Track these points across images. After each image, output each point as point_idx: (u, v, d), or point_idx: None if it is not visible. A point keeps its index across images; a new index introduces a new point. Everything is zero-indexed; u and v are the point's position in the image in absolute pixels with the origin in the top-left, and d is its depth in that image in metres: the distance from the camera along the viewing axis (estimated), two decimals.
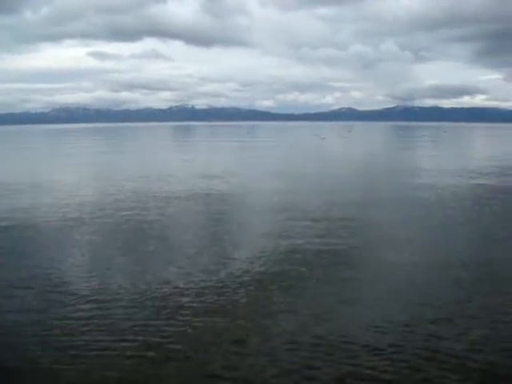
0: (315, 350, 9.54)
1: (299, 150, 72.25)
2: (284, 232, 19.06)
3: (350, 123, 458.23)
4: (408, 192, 30.08)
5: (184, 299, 12.22)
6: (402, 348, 9.51)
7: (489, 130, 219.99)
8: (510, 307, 11.57)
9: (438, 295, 12.31)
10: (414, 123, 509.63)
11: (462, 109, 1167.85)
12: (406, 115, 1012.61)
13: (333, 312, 11.43)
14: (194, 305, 11.86)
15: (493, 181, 36.27)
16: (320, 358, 9.21)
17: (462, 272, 14.21)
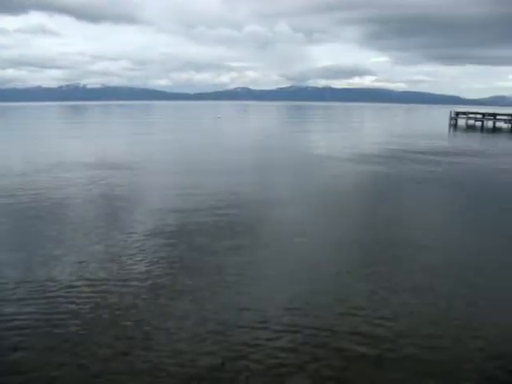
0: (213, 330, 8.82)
1: (192, 130, 68.32)
2: (181, 209, 18.08)
3: (245, 102, 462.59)
4: (299, 168, 29.57)
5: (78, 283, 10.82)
6: (312, 327, 8.89)
7: (378, 110, 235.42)
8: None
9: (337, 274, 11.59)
10: (307, 103, 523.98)
11: (353, 89, 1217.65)
12: (300, 95, 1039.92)
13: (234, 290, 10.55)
14: (87, 288, 10.55)
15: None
16: (220, 337, 8.57)
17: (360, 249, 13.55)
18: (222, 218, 16.41)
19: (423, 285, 10.83)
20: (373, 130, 74.63)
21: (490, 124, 76.97)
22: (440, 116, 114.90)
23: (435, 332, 8.71)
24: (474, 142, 52.32)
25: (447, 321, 9.15)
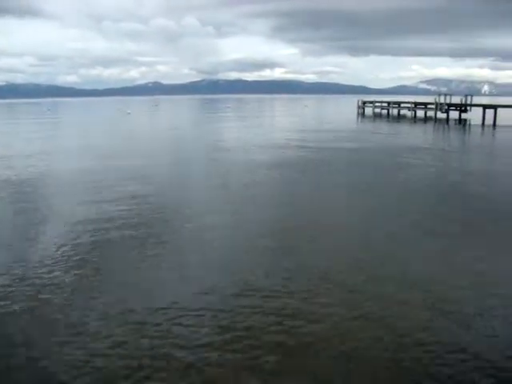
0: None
1: (101, 126, 67.02)
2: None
3: (156, 97, 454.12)
4: (213, 161, 29.27)
5: None
6: (228, 312, 9.14)
7: (289, 101, 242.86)
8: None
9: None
10: (219, 96, 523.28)
11: (264, 81, 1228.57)
12: (212, 88, 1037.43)
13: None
14: None
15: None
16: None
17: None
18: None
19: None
20: (285, 121, 75.58)
21: (395, 112, 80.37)
22: (349, 105, 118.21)
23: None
24: (380, 127, 54.63)
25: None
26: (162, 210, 16.65)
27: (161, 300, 9.62)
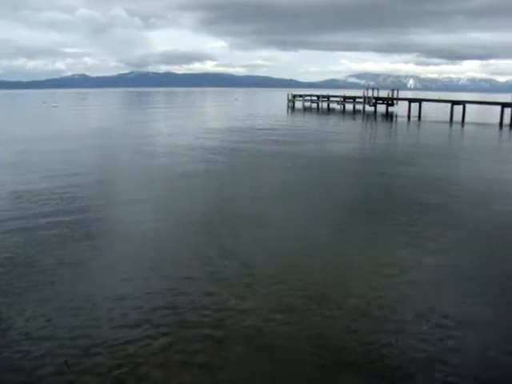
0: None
1: (24, 120, 62.32)
2: None
3: (84, 90, 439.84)
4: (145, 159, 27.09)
5: None
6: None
7: (220, 94, 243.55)
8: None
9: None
10: (148, 89, 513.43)
11: (195, 74, 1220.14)
12: (141, 81, 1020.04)
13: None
14: None
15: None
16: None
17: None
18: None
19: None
20: (216, 113, 75.13)
21: (324, 105, 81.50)
22: (279, 99, 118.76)
23: None
24: (309, 120, 54.82)
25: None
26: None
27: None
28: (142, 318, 8.49)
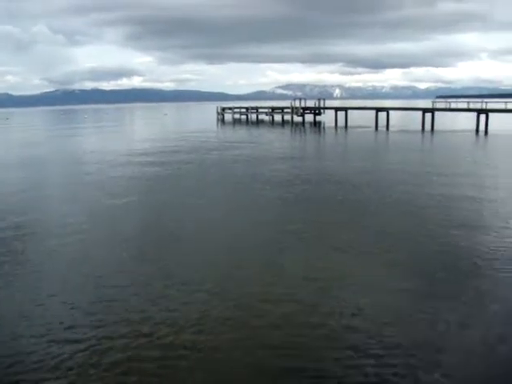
0: None
1: None
2: None
3: (7, 109, 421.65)
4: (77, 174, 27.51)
5: None
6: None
7: (149, 109, 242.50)
8: None
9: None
10: (76, 106, 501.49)
11: (122, 90, 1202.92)
12: (67, 99, 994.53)
13: None
14: None
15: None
16: None
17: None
18: None
19: None
20: (145, 129, 74.28)
21: (253, 117, 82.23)
22: (209, 112, 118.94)
23: None
24: (238, 133, 55.06)
25: None
26: None
27: None
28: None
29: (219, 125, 74.73)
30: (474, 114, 51.71)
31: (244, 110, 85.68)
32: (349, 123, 61.54)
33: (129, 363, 7.53)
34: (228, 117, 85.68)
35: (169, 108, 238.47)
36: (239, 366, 7.44)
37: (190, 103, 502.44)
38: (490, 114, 51.07)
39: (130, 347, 7.97)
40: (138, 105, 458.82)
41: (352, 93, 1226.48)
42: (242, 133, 56.53)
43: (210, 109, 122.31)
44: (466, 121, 57.24)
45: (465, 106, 59.48)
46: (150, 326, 8.65)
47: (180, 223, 15.81)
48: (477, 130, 49.46)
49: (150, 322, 8.81)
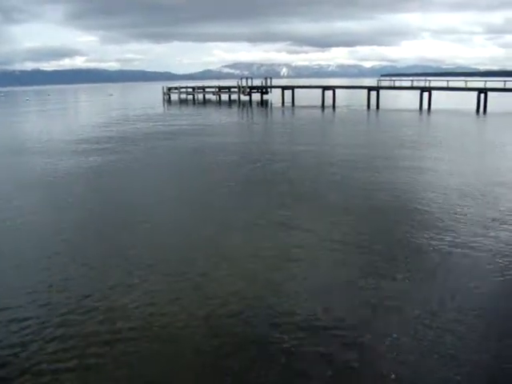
0: None
1: None
2: None
3: None
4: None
5: None
6: None
7: (93, 90, 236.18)
8: None
9: None
10: (16, 88, 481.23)
11: (65, 71, 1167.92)
12: (7, 80, 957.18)
13: None
14: None
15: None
16: None
17: None
18: None
19: None
20: (90, 111, 72.43)
21: (200, 96, 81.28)
22: (155, 92, 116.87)
23: None
24: (185, 113, 54.44)
25: None
26: None
27: None
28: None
29: (165, 105, 73.48)
30: (418, 92, 52.77)
31: (190, 90, 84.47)
32: (296, 102, 61.76)
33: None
34: (174, 97, 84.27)
35: (114, 88, 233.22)
36: (186, 347, 7.35)
37: (135, 83, 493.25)
38: (433, 92, 52.26)
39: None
40: (82, 86, 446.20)
41: (299, 71, 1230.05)
42: (188, 113, 55.79)
43: (156, 89, 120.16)
44: (411, 99, 58.24)
45: (409, 84, 60.70)
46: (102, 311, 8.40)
47: (127, 208, 15.38)
48: (420, 108, 50.50)
49: (101, 306, 8.55)
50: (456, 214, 13.24)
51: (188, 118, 47.91)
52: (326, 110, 53.54)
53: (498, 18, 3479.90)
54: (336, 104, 57.33)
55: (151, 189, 17.94)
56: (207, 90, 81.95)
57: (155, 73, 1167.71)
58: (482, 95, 48.62)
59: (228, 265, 10.24)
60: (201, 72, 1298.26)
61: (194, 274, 9.81)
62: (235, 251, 11.12)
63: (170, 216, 14.24)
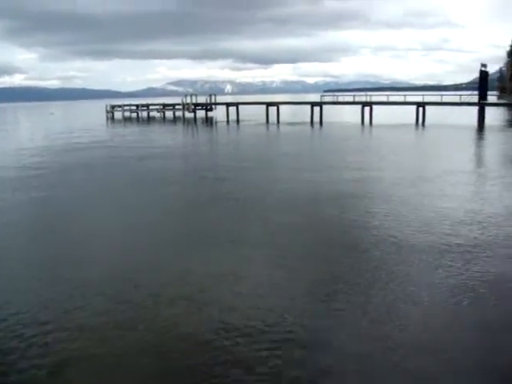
0: None
1: None
2: None
3: None
4: None
5: None
6: None
7: (32, 109, 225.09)
8: None
9: None
10: None
11: (3, 88, 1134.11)
12: None
13: None
14: None
15: None
16: None
17: None
18: None
19: None
20: (31, 130, 70.40)
21: (144, 114, 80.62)
22: (98, 110, 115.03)
23: None
24: (127, 132, 53.73)
25: None
26: None
27: None
28: None
29: (109, 123, 72.35)
30: (360, 107, 54.17)
31: (134, 108, 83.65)
32: (240, 118, 62.07)
33: None
34: (118, 115, 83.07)
35: (55, 107, 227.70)
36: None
37: (77, 101, 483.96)
38: (374, 107, 53.72)
39: None
40: (21, 104, 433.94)
41: (243, 88, 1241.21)
42: (131, 131, 55.03)
43: (100, 107, 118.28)
44: (353, 113, 59.62)
45: (351, 99, 62.19)
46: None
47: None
48: (362, 122, 51.76)
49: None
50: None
51: (132, 136, 47.33)
52: (270, 126, 54.06)
53: (432, 35, 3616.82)
54: (280, 120, 57.96)
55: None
56: (151, 107, 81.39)
57: (98, 91, 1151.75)
58: (421, 109, 50.51)
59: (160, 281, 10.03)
60: (144, 89, 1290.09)
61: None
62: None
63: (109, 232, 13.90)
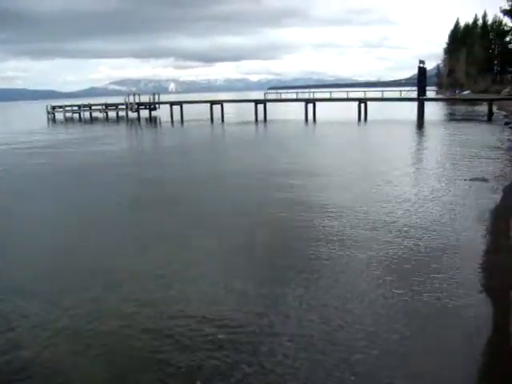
0: None
1: None
2: None
3: None
4: None
5: None
6: None
7: None
8: None
9: None
10: None
11: None
12: None
13: None
14: None
15: None
16: None
17: None
18: None
19: None
20: None
21: (87, 114, 79.12)
22: (38, 111, 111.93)
23: None
24: (71, 132, 52.68)
25: None
26: None
27: None
28: None
29: (50, 125, 70.59)
30: (303, 104, 54.95)
31: (76, 108, 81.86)
32: (184, 117, 61.78)
33: None
34: (59, 116, 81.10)
35: None
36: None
37: (16, 102, 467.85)
38: (317, 103, 54.63)
39: None
40: None
41: (187, 87, 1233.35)
42: (72, 132, 53.99)
43: (40, 108, 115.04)
44: (297, 110, 60.33)
45: (294, 96, 62.97)
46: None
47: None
48: (306, 119, 52.53)
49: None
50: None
51: (71, 135, 46.43)
52: (214, 124, 54.16)
53: (374, 33, 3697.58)
54: (225, 118, 58.13)
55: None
56: (94, 107, 79.96)
57: (38, 91, 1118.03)
58: (363, 105, 51.72)
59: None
60: (86, 90, 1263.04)
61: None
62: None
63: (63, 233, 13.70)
